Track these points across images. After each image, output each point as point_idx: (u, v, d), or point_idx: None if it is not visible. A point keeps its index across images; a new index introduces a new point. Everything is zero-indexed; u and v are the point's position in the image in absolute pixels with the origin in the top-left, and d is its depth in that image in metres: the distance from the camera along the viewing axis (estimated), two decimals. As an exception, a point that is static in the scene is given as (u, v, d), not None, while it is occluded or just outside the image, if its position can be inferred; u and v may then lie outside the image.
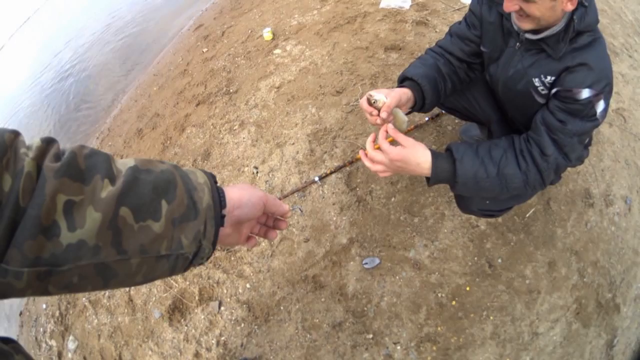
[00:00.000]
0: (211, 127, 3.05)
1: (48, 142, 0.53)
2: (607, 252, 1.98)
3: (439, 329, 1.75)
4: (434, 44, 1.71)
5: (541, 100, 1.36)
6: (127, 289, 2.37)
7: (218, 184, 0.70)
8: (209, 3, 5.89)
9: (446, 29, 3.01)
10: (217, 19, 5.06)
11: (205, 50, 4.30)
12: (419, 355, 1.71)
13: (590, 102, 1.22)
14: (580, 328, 1.78)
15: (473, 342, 1.72)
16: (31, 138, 0.52)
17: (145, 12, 6.99)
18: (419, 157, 1.24)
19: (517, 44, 1.39)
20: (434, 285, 1.83)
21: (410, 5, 3.54)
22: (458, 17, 3.33)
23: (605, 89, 1.23)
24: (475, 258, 1.90)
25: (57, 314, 2.57)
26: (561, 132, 1.26)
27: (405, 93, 1.39)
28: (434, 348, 1.71)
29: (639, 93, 2.83)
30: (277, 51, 3.51)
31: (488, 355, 1.70)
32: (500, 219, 1.97)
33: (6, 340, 0.57)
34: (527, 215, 2.01)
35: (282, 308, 1.92)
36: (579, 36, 1.26)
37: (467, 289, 1.82)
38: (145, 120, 3.73)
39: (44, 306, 2.69)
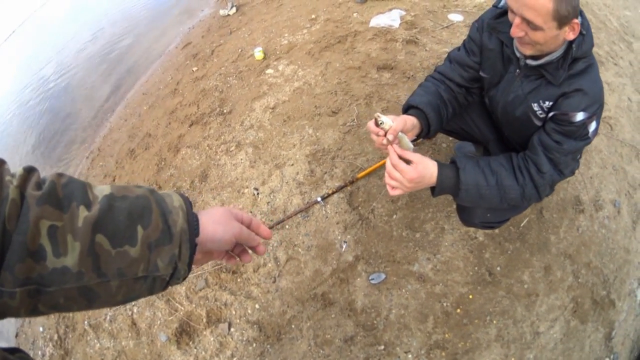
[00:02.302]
0: (207, 148, 3.22)
1: (29, 171, 0.60)
2: (599, 253, 2.21)
3: (446, 335, 1.94)
4: (425, 63, 1.92)
5: (538, 123, 1.53)
6: (129, 313, 2.50)
7: (200, 208, 0.81)
8: (195, 20, 6.14)
9: (436, 47, 3.31)
10: (205, 37, 5.28)
11: (195, 69, 4.51)
12: (430, 362, 1.90)
13: (584, 124, 1.41)
14: (579, 324, 2.00)
15: (479, 346, 1.92)
16: (20, 158, 0.66)
17: (130, 29, 7.22)
18: (430, 169, 1.42)
19: (517, 70, 1.56)
20: (439, 295, 2.03)
21: (400, 24, 3.81)
22: (447, 34, 3.60)
23: (597, 111, 1.42)
24: (476, 268, 2.11)
25: (55, 337, 2.69)
26: (557, 151, 1.45)
27: (410, 119, 1.55)
28: (443, 354, 1.91)
29: (625, 100, 3.09)
30: (270, 71, 3.73)
31: (494, 356, 1.90)
32: (497, 230, 2.19)
33: (12, 350, 0.65)
34: (522, 224, 2.24)
35: (293, 326, 2.09)
36: (575, 62, 1.42)
37: (470, 297, 2.02)
38: (137, 140, 3.89)
39: (41, 329, 2.81)
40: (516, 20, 1.34)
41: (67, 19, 10.01)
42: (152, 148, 3.65)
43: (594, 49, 3.25)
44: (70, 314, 2.74)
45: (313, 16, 4.48)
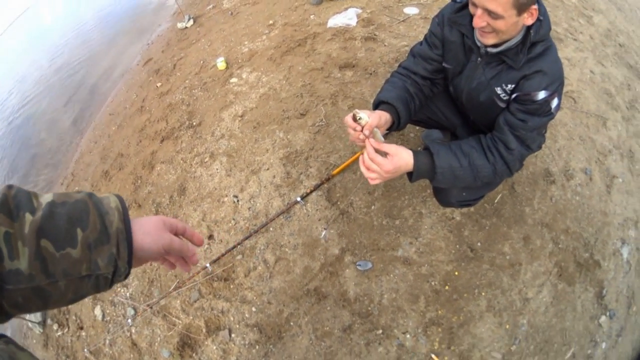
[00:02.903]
0: (181, 161, 3.29)
1: None
2: (575, 219, 2.40)
3: (439, 312, 2.09)
4: (385, 58, 2.04)
5: (502, 105, 1.67)
6: (127, 334, 2.56)
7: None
8: (154, 36, 6.20)
9: (394, 42, 3.48)
10: (166, 51, 5.33)
11: (159, 84, 4.56)
12: (428, 338, 2.04)
13: (546, 101, 1.54)
14: (566, 287, 2.17)
15: (472, 318, 2.08)
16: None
17: (89, 51, 7.27)
18: (405, 160, 1.54)
19: (479, 58, 1.69)
20: (426, 275, 2.18)
21: (357, 22, 3.96)
22: (404, 28, 3.76)
23: (558, 88, 1.55)
24: (457, 246, 2.26)
25: None
26: (522, 128, 1.58)
27: (383, 115, 1.67)
28: (439, 330, 2.05)
29: (587, 73, 3.31)
30: (234, 80, 3.82)
31: (489, 325, 2.06)
32: (472, 209, 2.35)
33: None
34: (496, 200, 2.41)
35: (292, 323, 2.20)
36: (534, 46, 1.55)
37: (456, 273, 2.18)
38: (110, 162, 3.92)
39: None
40: (478, 12, 1.46)
41: (24, 48, 9.95)
42: (126, 168, 3.69)
43: (553, 27, 3.50)
44: (68, 344, 2.80)
45: (270, 22, 4.59)
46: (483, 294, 2.12)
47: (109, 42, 7.23)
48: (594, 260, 2.28)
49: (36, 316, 3.05)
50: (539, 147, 1.81)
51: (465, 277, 2.17)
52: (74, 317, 2.90)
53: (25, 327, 3.20)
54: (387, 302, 2.13)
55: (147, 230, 0.80)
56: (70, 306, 2.96)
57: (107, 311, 2.73)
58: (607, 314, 2.18)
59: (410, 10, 4.05)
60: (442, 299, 2.12)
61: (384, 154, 1.52)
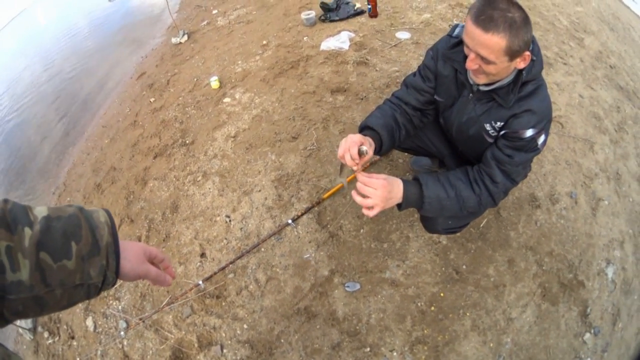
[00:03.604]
0: (174, 179, 3.44)
1: None
2: (560, 242, 2.57)
3: (425, 331, 2.25)
4: (377, 83, 2.17)
5: (490, 140, 1.76)
6: (120, 346, 2.66)
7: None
8: (148, 49, 6.37)
9: (385, 67, 3.70)
10: (160, 66, 5.50)
11: (152, 99, 4.72)
12: (414, 356, 2.20)
13: (533, 139, 1.62)
14: (550, 306, 2.33)
15: (457, 337, 2.24)
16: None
17: (82, 61, 7.46)
18: (396, 185, 1.63)
19: (470, 94, 1.78)
20: (413, 297, 2.34)
21: (349, 46, 4.17)
22: (395, 53, 3.97)
23: (545, 125, 1.64)
24: (443, 268, 2.43)
25: None
26: (509, 164, 1.68)
27: (373, 147, 1.77)
28: (425, 348, 2.21)
29: (576, 97, 3.52)
30: (227, 100, 4.01)
31: (473, 344, 2.22)
32: (458, 234, 2.52)
33: None
34: (482, 225, 2.59)
35: (282, 341, 2.35)
36: (524, 85, 1.62)
37: (442, 294, 2.34)
38: (102, 175, 4.05)
39: None
40: (471, 55, 1.54)
41: (18, 50, 10.24)
42: (118, 182, 3.83)
43: (543, 51, 3.74)
44: (59, 352, 2.90)
45: (264, 42, 4.79)
46: (468, 314, 2.28)
47: (103, 52, 7.42)
48: (578, 281, 2.45)
49: (27, 322, 3.15)
50: (524, 178, 1.94)
51: (451, 298, 2.33)
52: (65, 327, 3.01)
53: (15, 333, 3.29)
54: (374, 321, 2.29)
55: (127, 256, 0.90)
56: (61, 315, 3.08)
57: (99, 322, 2.85)
58: (592, 331, 2.32)
59: (402, 35, 4.27)
60: (428, 318, 2.27)
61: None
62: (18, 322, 3.13)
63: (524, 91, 1.64)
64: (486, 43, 1.46)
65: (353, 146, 1.62)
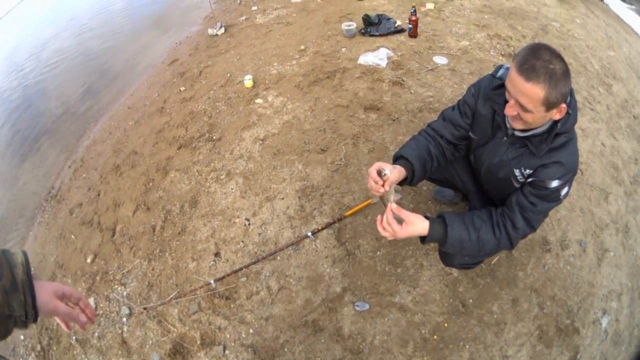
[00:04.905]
0: (196, 173, 3.68)
1: None
2: (563, 287, 2.72)
3: (424, 358, 2.43)
4: (410, 106, 2.37)
5: (517, 185, 1.90)
6: (119, 331, 2.88)
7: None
8: (182, 36, 6.66)
9: (420, 91, 3.92)
10: (193, 55, 5.80)
11: (182, 89, 4.99)
12: (411, 381, 2.40)
13: (558, 190, 1.76)
14: (544, 349, 2.48)
15: (454, 367, 2.43)
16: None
17: (113, 36, 7.78)
18: (418, 230, 1.81)
19: (504, 137, 1.92)
20: (418, 323, 2.53)
21: (387, 64, 4.40)
22: (431, 77, 4.20)
23: (570, 178, 1.77)
24: (451, 300, 2.62)
25: (37, 347, 3.05)
26: (531, 211, 1.82)
27: (401, 172, 1.96)
28: (422, 374, 2.41)
29: (598, 145, 3.69)
30: (259, 101, 4.26)
31: (468, 376, 2.41)
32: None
33: None
34: (493, 262, 2.77)
35: (286, 350, 2.55)
36: (557, 137, 1.74)
37: (445, 325, 2.52)
38: (123, 157, 4.32)
39: (22, 337, 3.16)
40: (511, 102, 1.67)
41: (45, 19, 10.62)
42: (138, 167, 4.08)
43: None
44: (53, 327, 3.11)
45: (302, 47, 5.06)
46: (467, 346, 2.44)
47: (136, 32, 7.75)
48: (574, 327, 2.57)
49: None
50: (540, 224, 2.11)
51: (454, 329, 2.51)
52: None
53: None
54: (378, 342, 2.48)
55: (39, 294, 1.05)
56: None
57: (101, 305, 3.06)
58: None
59: (440, 60, 4.50)
60: (429, 346, 2.46)
61: (400, 219, 1.82)
62: None
63: (556, 142, 1.76)
64: (526, 92, 1.58)
65: (373, 170, 1.83)
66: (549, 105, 1.59)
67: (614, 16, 7.41)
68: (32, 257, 3.80)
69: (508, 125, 1.88)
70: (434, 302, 2.61)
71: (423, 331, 2.50)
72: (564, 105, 1.63)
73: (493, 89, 1.94)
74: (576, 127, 3.40)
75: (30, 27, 10.17)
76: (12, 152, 5.56)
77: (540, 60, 1.55)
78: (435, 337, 2.48)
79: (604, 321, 2.68)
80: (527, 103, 1.60)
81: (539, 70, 1.54)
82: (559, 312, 2.62)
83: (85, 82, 6.49)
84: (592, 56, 5.00)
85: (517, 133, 1.85)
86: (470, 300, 2.62)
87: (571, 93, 1.70)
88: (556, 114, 1.66)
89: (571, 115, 1.71)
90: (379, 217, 1.83)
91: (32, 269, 1.07)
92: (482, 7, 5.89)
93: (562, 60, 1.57)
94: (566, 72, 1.57)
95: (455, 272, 2.72)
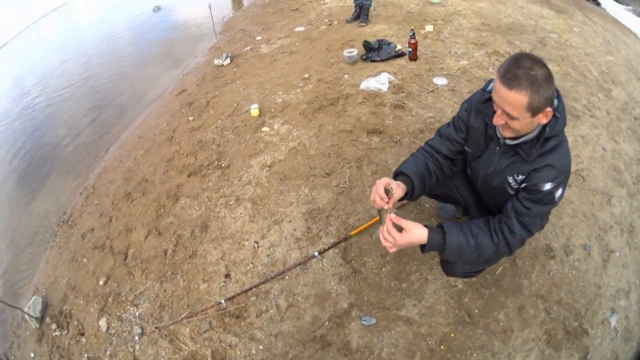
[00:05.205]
0: (206, 199, 3.84)
1: None
2: (569, 291, 2.79)
3: (432, 369, 2.54)
4: (411, 128, 2.54)
5: (512, 192, 1.99)
6: (131, 350, 3.01)
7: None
8: (189, 67, 6.92)
9: (421, 112, 4.12)
10: (200, 86, 6.03)
11: (191, 118, 5.21)
12: (420, 390, 2.50)
13: (551, 192, 1.83)
14: (553, 352, 2.54)
15: (463, 375, 2.52)
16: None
17: (120, 66, 8.06)
18: (418, 237, 1.90)
19: (497, 147, 2.01)
20: (424, 335, 2.63)
21: (388, 88, 4.59)
22: (432, 99, 4.38)
23: (563, 180, 1.84)
24: (456, 311, 2.71)
25: None
26: (527, 215, 1.89)
27: (402, 188, 2.07)
28: (431, 384, 2.50)
29: (599, 150, 3.81)
30: (265, 129, 4.44)
31: (476, 384, 2.49)
32: (474, 279, 2.80)
33: None
34: (497, 272, 2.86)
35: (296, 364, 2.68)
36: (547, 141, 1.81)
37: (452, 335, 2.61)
38: (134, 184, 4.49)
39: (32, 354, 3.31)
40: (498, 112, 1.76)
41: (54, 45, 10.96)
42: (149, 194, 4.26)
43: (571, 103, 4.10)
44: (65, 345, 3.26)
45: (306, 75, 5.28)
46: (474, 355, 2.52)
47: (143, 62, 8.04)
48: (582, 329, 2.64)
49: (35, 311, 3.50)
50: (541, 229, 2.20)
51: (460, 339, 2.58)
52: (75, 322, 3.37)
53: (20, 317, 3.67)
54: (386, 355, 2.58)
55: None
56: (73, 311, 3.47)
57: (113, 324, 3.20)
58: None
59: (439, 81, 4.69)
60: (437, 356, 2.55)
61: (401, 229, 1.91)
62: (26, 309, 3.53)
63: (546, 147, 1.83)
64: (510, 100, 1.67)
65: (380, 187, 1.95)
66: (534, 110, 1.68)
67: (612, 20, 7.61)
68: (44, 279, 3.97)
69: (499, 135, 1.96)
70: (439, 314, 2.70)
71: (430, 342, 2.60)
72: (549, 109, 1.71)
73: (483, 102, 2.04)
74: (577, 134, 3.51)
75: (37, 55, 10.47)
76: (23, 178, 5.75)
77: (521, 68, 1.64)
78: (442, 347, 2.57)
79: (613, 320, 2.74)
80: (512, 111, 1.69)
81: (520, 78, 1.63)
82: (566, 315, 2.69)
83: (95, 111, 6.73)
84: (591, 63, 5.16)
85: (508, 142, 1.94)
86: (476, 310, 2.70)
87: (558, 97, 1.81)
88: (543, 119, 1.74)
89: (559, 118, 1.80)
90: (381, 228, 1.95)
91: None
92: (480, 25, 6.11)
93: (543, 66, 1.66)
94: (548, 77, 1.66)
95: (460, 284, 2.82)
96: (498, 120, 1.80)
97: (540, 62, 1.66)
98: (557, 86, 1.77)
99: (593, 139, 3.93)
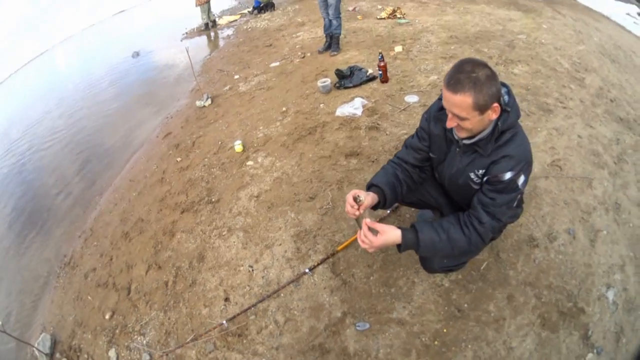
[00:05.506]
0: (200, 232, 4.07)
1: None
2: (558, 275, 2.88)
3: (430, 364, 2.71)
4: (387, 146, 2.90)
5: (476, 187, 2.13)
6: None
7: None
8: (172, 110, 7.20)
9: (395, 131, 4.52)
10: (185, 128, 6.30)
11: (179, 159, 5.46)
12: (419, 385, 2.66)
13: (513, 180, 1.95)
14: (550, 334, 2.61)
15: (460, 367, 2.68)
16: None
17: (104, 112, 8.34)
18: (392, 238, 2.08)
19: (457, 149, 2.16)
20: (417, 333, 2.74)
21: (362, 112, 4.90)
22: (404, 117, 4.67)
23: (523, 167, 1.96)
24: (446, 307, 2.83)
25: None
26: (492, 205, 2.02)
27: (374, 197, 2.26)
28: (430, 378, 2.66)
29: (574, 138, 4.03)
30: (250, 163, 4.71)
31: (475, 373, 2.65)
32: (459, 275, 2.94)
33: None
34: (482, 267, 2.97)
35: (297, 373, 2.88)
36: (502, 134, 1.94)
37: (445, 330, 2.72)
38: (130, 224, 4.71)
39: None
40: (449, 115, 1.92)
41: (35, 95, 11.28)
42: (146, 232, 4.47)
43: (544, 99, 4.29)
44: None
45: (284, 108, 5.60)
46: (469, 346, 2.62)
47: (127, 109, 8.31)
48: (578, 308, 2.72)
49: (44, 346, 3.65)
50: (513, 218, 2.42)
51: (453, 333, 2.70)
52: (85, 356, 3.52)
53: (29, 354, 3.80)
54: (382, 355, 2.76)
55: None
56: (82, 345, 3.62)
57: (122, 354, 3.36)
58: (595, 351, 2.55)
59: (411, 99, 4.99)
60: (432, 351, 2.65)
61: (376, 232, 2.08)
62: (36, 344, 3.68)
63: (501, 140, 1.98)
64: (457, 103, 1.82)
65: (349, 198, 2.13)
66: (480, 108, 1.82)
67: (582, 9, 7.85)
68: (50, 317, 4.12)
69: (457, 137, 2.12)
70: (430, 312, 2.84)
71: (423, 339, 2.73)
72: (496, 105, 1.85)
73: (439, 110, 2.22)
74: (550, 128, 3.61)
75: (20, 105, 10.80)
76: (20, 225, 5.94)
77: (463, 73, 1.80)
78: (436, 342, 2.69)
79: (610, 294, 2.81)
80: (461, 112, 1.85)
81: (463, 81, 1.78)
82: (558, 297, 2.79)
83: (85, 159, 6.97)
84: (561, 56, 5.44)
85: (466, 141, 2.09)
86: (465, 305, 2.83)
87: (508, 92, 1.96)
88: (492, 115, 1.88)
89: (510, 112, 1.93)
90: (358, 232, 2.16)
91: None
92: (448, 38, 6.43)
93: (485, 66, 1.81)
94: (490, 76, 1.80)
95: (446, 282, 2.98)
96: (451, 123, 1.96)
97: (481, 64, 1.83)
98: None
99: (567, 129, 4.14)
